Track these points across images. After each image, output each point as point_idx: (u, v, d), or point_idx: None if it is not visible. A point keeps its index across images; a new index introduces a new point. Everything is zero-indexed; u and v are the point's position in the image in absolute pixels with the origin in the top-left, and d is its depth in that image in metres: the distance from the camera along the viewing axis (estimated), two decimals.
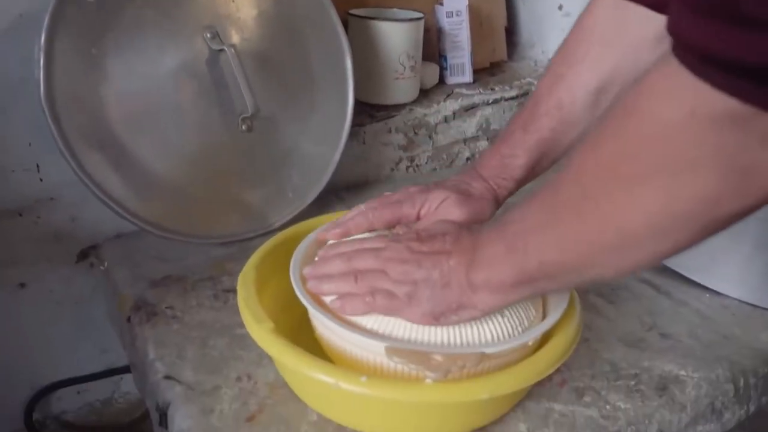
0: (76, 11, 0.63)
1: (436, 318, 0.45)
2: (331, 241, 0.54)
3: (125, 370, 0.84)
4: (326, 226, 0.56)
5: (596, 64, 0.53)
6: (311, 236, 0.57)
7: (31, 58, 0.61)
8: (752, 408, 0.61)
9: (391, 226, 0.55)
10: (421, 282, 0.45)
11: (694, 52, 0.29)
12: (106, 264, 0.71)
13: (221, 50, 0.70)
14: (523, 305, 0.49)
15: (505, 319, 0.47)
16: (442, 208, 0.54)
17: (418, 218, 0.55)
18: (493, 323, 0.47)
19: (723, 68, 0.28)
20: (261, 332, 0.47)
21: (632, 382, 0.56)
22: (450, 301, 0.45)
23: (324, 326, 0.48)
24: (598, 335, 0.62)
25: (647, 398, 0.54)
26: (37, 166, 0.70)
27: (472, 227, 0.50)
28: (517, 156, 0.56)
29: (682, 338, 0.62)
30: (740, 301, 0.67)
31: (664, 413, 0.54)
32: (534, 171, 0.57)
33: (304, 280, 0.51)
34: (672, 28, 0.31)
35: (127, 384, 0.86)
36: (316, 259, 0.52)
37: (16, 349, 0.76)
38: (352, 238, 0.54)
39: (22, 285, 0.74)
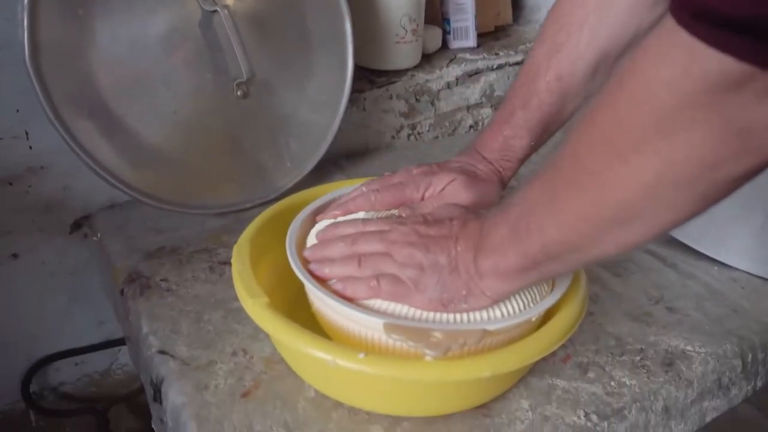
0: None
1: (445, 305, 0.44)
2: (330, 220, 0.52)
3: (122, 342, 0.83)
4: (329, 207, 0.54)
5: (595, 33, 0.51)
6: (309, 207, 0.55)
7: (15, 19, 0.58)
8: (759, 383, 0.60)
9: (393, 209, 0.53)
10: (428, 267, 0.44)
11: (688, 8, 0.28)
12: (99, 235, 0.70)
13: (214, 11, 0.68)
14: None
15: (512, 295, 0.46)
16: (448, 190, 0.52)
17: (422, 201, 0.53)
18: None
19: (717, 25, 0.27)
20: (255, 307, 0.45)
21: (638, 358, 0.55)
22: (458, 287, 0.43)
23: (321, 302, 0.46)
24: (602, 309, 0.60)
25: (653, 374, 0.53)
26: (26, 133, 0.68)
27: (478, 212, 0.49)
28: (521, 137, 0.55)
29: (689, 312, 0.61)
30: (750, 274, 0.66)
31: (670, 389, 0.52)
32: (535, 148, 0.56)
33: (301, 253, 0.50)
34: None
35: (125, 356, 0.85)
36: (316, 240, 0.50)
37: (11, 320, 0.75)
38: (353, 217, 0.52)
39: (15, 256, 0.72)
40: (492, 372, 0.42)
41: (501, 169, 0.55)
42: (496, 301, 0.44)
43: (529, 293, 0.47)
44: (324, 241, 0.49)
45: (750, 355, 0.57)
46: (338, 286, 0.45)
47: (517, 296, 0.46)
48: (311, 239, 0.52)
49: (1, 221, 0.70)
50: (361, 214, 0.52)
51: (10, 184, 0.69)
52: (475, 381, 0.44)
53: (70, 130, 0.62)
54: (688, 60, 0.29)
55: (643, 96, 0.32)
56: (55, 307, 0.77)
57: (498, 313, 0.45)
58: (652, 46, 0.31)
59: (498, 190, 0.55)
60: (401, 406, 0.47)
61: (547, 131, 0.55)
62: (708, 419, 0.57)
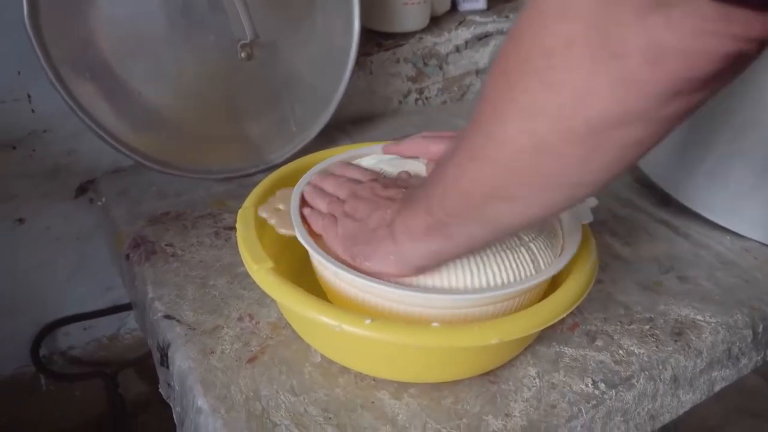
0: None
1: (353, 258, 0.44)
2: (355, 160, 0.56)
3: (130, 306, 0.84)
4: (387, 144, 0.56)
5: None
6: (312, 170, 0.54)
7: None
8: None
9: (436, 157, 0.52)
10: (359, 221, 0.45)
11: None
12: (104, 199, 0.69)
13: None
14: (543, 243, 0.47)
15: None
16: None
17: None
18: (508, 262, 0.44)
19: None
20: (260, 273, 0.45)
21: (647, 327, 0.54)
22: (366, 244, 0.43)
23: (323, 267, 0.46)
24: (612, 278, 0.60)
25: (662, 343, 0.53)
26: (29, 96, 0.67)
27: None
28: None
29: (700, 282, 0.60)
30: (763, 244, 0.65)
31: (679, 358, 0.52)
32: None
33: (305, 219, 0.49)
34: None
35: (133, 320, 0.86)
36: (333, 169, 0.54)
37: (20, 285, 0.75)
38: (361, 163, 0.56)
39: (21, 221, 0.72)
40: (500, 339, 0.41)
41: None
42: (401, 266, 0.42)
43: (534, 259, 0.46)
44: (330, 174, 0.53)
45: (761, 326, 0.57)
46: (306, 211, 0.49)
47: (522, 262, 0.45)
48: None
49: (6, 186, 0.70)
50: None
51: (14, 148, 0.68)
52: (482, 348, 0.44)
53: (72, 93, 0.61)
54: None
55: (533, 13, 0.28)
56: (63, 271, 0.77)
57: (509, 277, 0.44)
58: None
59: None
60: (408, 373, 0.47)
61: None
62: (717, 389, 0.57)
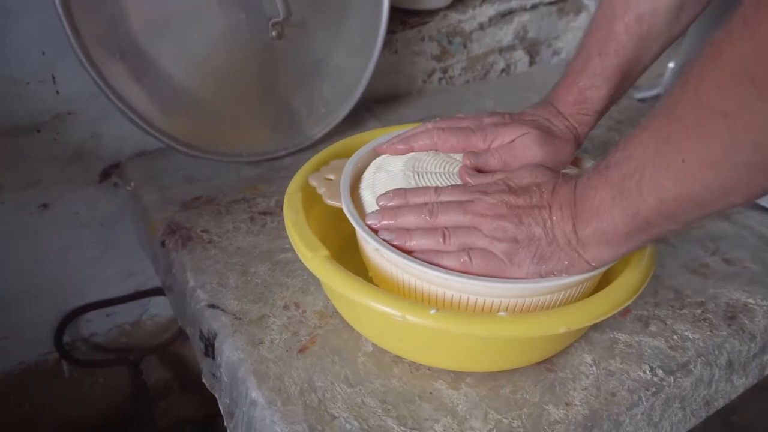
0: None
1: (544, 277, 0.42)
2: (389, 187, 0.47)
3: (153, 293, 0.82)
4: (388, 139, 0.52)
5: None
6: (354, 158, 0.52)
7: None
8: None
9: (454, 152, 0.50)
10: (523, 239, 0.41)
11: None
12: (132, 185, 0.67)
13: None
14: None
15: None
16: (519, 143, 0.49)
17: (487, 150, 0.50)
18: None
19: None
20: (316, 261, 0.43)
21: (698, 311, 0.54)
22: (560, 258, 0.41)
23: (390, 262, 0.44)
24: (659, 261, 0.59)
25: (715, 328, 0.52)
26: (53, 77, 0.65)
27: (566, 174, 0.45)
28: (598, 87, 0.50)
29: (746, 264, 0.59)
30: None
31: (734, 343, 0.51)
32: (614, 99, 0.52)
33: (356, 203, 0.48)
34: None
35: (155, 306, 0.85)
36: (377, 203, 0.46)
37: (43, 271, 0.74)
38: (413, 184, 0.48)
39: (45, 206, 0.70)
40: (567, 328, 0.40)
41: (577, 125, 0.52)
42: (597, 269, 0.42)
43: None
44: (393, 208, 0.45)
45: None
46: (425, 257, 0.42)
47: None
48: (366, 192, 0.49)
49: (31, 170, 0.68)
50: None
51: (38, 131, 0.66)
52: (545, 336, 0.43)
53: (102, 73, 0.59)
54: None
55: None
56: (86, 258, 0.76)
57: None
58: None
59: (572, 149, 0.51)
60: (464, 362, 0.46)
61: (626, 79, 0.51)
62: (767, 372, 0.56)
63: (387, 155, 0.52)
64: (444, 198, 0.45)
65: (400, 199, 0.46)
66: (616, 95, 0.52)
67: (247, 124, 0.70)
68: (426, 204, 0.45)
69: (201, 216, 0.61)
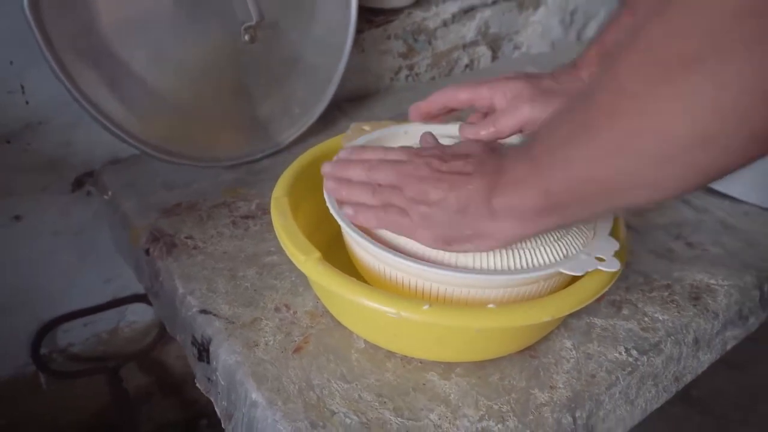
0: None
1: (448, 243, 0.43)
2: (357, 143, 0.54)
3: (130, 299, 0.82)
4: (414, 105, 0.56)
5: None
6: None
7: None
8: None
9: (466, 104, 0.53)
10: (435, 204, 0.43)
11: None
12: (110, 193, 0.67)
13: None
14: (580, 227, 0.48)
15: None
16: (513, 102, 0.50)
17: (491, 106, 0.52)
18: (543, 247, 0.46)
19: None
20: (309, 264, 0.45)
21: (666, 293, 0.57)
22: (463, 227, 0.42)
23: (378, 258, 0.46)
24: (628, 247, 0.62)
25: (682, 308, 0.56)
26: (22, 87, 0.64)
27: (501, 148, 0.46)
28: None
29: (707, 247, 0.64)
30: (761, 207, 0.69)
31: (700, 322, 0.55)
32: None
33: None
34: None
35: (132, 313, 0.85)
36: (341, 155, 0.51)
37: (18, 284, 0.73)
38: (371, 144, 0.55)
39: (18, 218, 0.69)
40: (551, 316, 0.43)
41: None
42: (503, 245, 0.43)
43: (572, 240, 0.47)
44: (345, 161, 0.49)
45: (767, 286, 0.61)
46: (349, 211, 0.47)
47: (559, 243, 0.47)
48: None
49: (2, 182, 0.67)
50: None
51: (8, 142, 0.65)
52: (528, 326, 0.46)
53: (76, 82, 0.59)
54: None
55: (701, 2, 0.27)
56: (61, 268, 0.75)
57: (539, 259, 0.45)
58: None
59: None
60: (454, 353, 0.48)
61: None
62: (729, 347, 0.60)
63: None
64: (389, 157, 0.48)
65: (355, 153, 0.50)
66: None
67: (223, 128, 0.70)
68: (370, 160, 0.48)
69: (184, 222, 0.62)
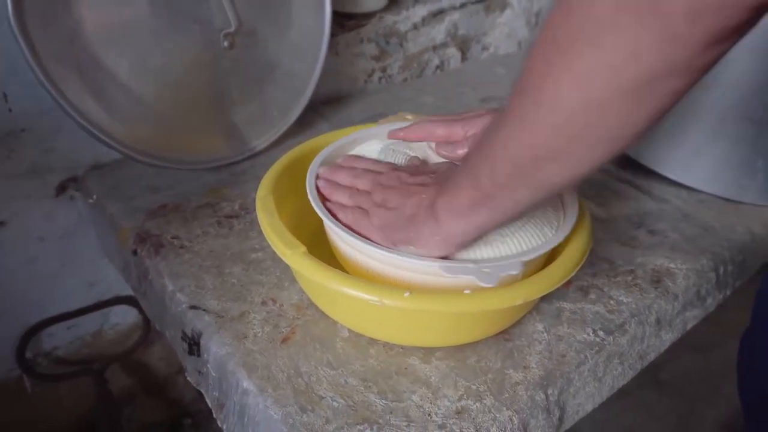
0: None
1: (394, 244, 0.48)
2: (354, 152, 0.59)
3: (114, 302, 0.84)
4: (392, 130, 0.58)
5: None
6: (317, 160, 0.57)
7: None
8: (728, 292, 0.68)
9: (442, 140, 0.56)
10: (392, 209, 0.48)
11: None
12: (95, 197, 0.69)
13: None
14: (544, 219, 0.51)
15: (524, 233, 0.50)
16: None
17: (464, 140, 0.55)
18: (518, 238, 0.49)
19: None
20: (295, 258, 0.47)
21: (630, 278, 0.61)
22: (408, 231, 0.46)
23: (358, 251, 0.49)
24: (594, 237, 0.66)
25: (645, 291, 0.60)
26: (5, 95, 0.65)
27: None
28: None
29: (667, 234, 0.68)
30: (715, 196, 0.73)
31: (661, 303, 0.59)
32: None
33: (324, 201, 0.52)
34: None
35: (115, 315, 0.86)
36: (338, 161, 0.57)
37: (2, 289, 0.74)
38: (366, 148, 0.59)
39: (2, 223, 0.70)
40: (524, 299, 0.46)
41: None
42: (445, 244, 0.46)
43: (538, 233, 0.51)
44: (339, 167, 0.55)
45: (722, 269, 0.65)
46: (332, 207, 0.52)
47: (529, 235, 0.50)
48: None
49: None
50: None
51: None
52: (503, 309, 0.49)
53: (61, 90, 0.61)
54: None
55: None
56: (46, 272, 0.76)
57: (523, 247, 0.49)
58: None
59: None
60: (434, 338, 0.51)
61: None
62: (689, 326, 0.65)
63: (360, 151, 0.59)
64: (372, 168, 0.54)
65: (348, 162, 0.56)
66: None
67: (205, 131, 0.72)
68: (356, 169, 0.54)
69: (169, 223, 0.64)
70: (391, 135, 0.58)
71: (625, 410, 1.07)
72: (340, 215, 0.51)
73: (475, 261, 0.47)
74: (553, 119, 0.35)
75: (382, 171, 0.53)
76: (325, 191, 0.53)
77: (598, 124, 0.34)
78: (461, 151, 0.54)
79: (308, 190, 0.53)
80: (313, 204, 0.51)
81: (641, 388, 1.07)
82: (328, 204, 0.52)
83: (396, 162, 0.57)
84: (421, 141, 0.57)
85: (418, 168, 0.53)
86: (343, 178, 0.54)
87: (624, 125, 0.34)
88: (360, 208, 0.50)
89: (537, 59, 0.35)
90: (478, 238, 0.47)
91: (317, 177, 0.55)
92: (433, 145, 0.57)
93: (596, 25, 0.31)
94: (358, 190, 0.52)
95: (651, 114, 0.33)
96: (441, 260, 0.47)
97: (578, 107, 0.33)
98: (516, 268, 0.46)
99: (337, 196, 0.52)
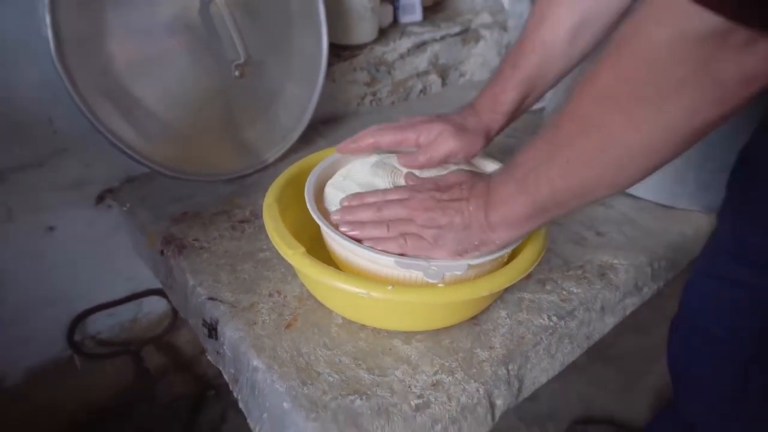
0: None
1: (461, 255, 0.47)
2: (352, 192, 0.53)
3: (146, 294, 0.84)
4: (342, 143, 0.56)
5: (574, 5, 0.51)
6: (313, 174, 0.57)
7: (30, 17, 0.56)
8: (662, 283, 0.69)
9: (393, 146, 0.55)
10: (445, 226, 0.47)
11: None
12: (128, 205, 0.70)
13: (210, 1, 0.67)
14: None
15: None
16: (439, 138, 0.54)
17: (417, 144, 0.54)
18: None
19: None
20: (296, 257, 0.48)
21: (580, 272, 0.62)
22: (472, 240, 0.47)
23: (342, 247, 0.50)
24: (551, 238, 0.67)
25: (592, 283, 0.61)
26: (50, 119, 0.66)
27: (483, 175, 0.51)
28: (507, 91, 0.55)
29: (613, 235, 0.69)
30: (654, 203, 0.74)
31: (605, 293, 0.60)
32: (522, 105, 0.56)
33: (320, 207, 0.53)
34: None
35: (147, 305, 0.87)
36: (340, 205, 0.52)
37: (54, 283, 0.75)
38: (353, 166, 0.56)
39: (51, 228, 0.71)
40: (490, 291, 0.47)
41: (488, 121, 0.55)
42: (504, 247, 0.48)
43: None
44: (350, 207, 0.51)
45: (656, 264, 0.66)
46: (373, 245, 0.48)
47: None
48: (330, 197, 0.54)
49: (38, 198, 0.69)
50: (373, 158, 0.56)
51: (41, 165, 0.67)
52: (473, 299, 0.50)
53: (97, 116, 0.61)
54: (684, 22, 0.30)
55: (644, 56, 0.32)
56: (89, 269, 0.77)
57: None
58: (651, 12, 0.32)
59: (482, 141, 0.55)
60: (414, 323, 0.52)
61: (532, 88, 0.55)
62: (628, 312, 0.66)
63: (352, 167, 0.57)
64: (389, 197, 0.50)
65: (357, 200, 0.51)
66: (523, 101, 0.55)
67: (220, 149, 0.73)
68: (376, 202, 0.50)
69: (190, 228, 0.65)
70: (341, 148, 0.56)
71: (578, 381, 1.08)
72: (384, 246, 0.48)
73: (427, 259, 0.48)
74: (616, 162, 0.37)
75: (405, 196, 0.50)
76: (354, 234, 0.49)
77: (653, 164, 0.36)
78: (422, 159, 0.53)
79: (306, 199, 0.53)
80: (311, 210, 0.52)
81: (592, 363, 1.08)
82: (368, 241, 0.48)
83: (393, 178, 0.54)
84: (371, 149, 0.55)
85: (439, 183, 0.50)
86: (366, 215, 0.49)
87: (669, 160, 0.36)
88: (407, 234, 0.48)
89: (595, 110, 0.36)
90: None
91: (336, 225, 0.50)
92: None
93: (658, 93, 0.32)
94: (390, 221, 0.48)
95: (688, 146, 0.35)
96: (397, 256, 0.47)
97: (638, 153, 0.35)
98: (462, 269, 0.46)
99: (370, 233, 0.48)
